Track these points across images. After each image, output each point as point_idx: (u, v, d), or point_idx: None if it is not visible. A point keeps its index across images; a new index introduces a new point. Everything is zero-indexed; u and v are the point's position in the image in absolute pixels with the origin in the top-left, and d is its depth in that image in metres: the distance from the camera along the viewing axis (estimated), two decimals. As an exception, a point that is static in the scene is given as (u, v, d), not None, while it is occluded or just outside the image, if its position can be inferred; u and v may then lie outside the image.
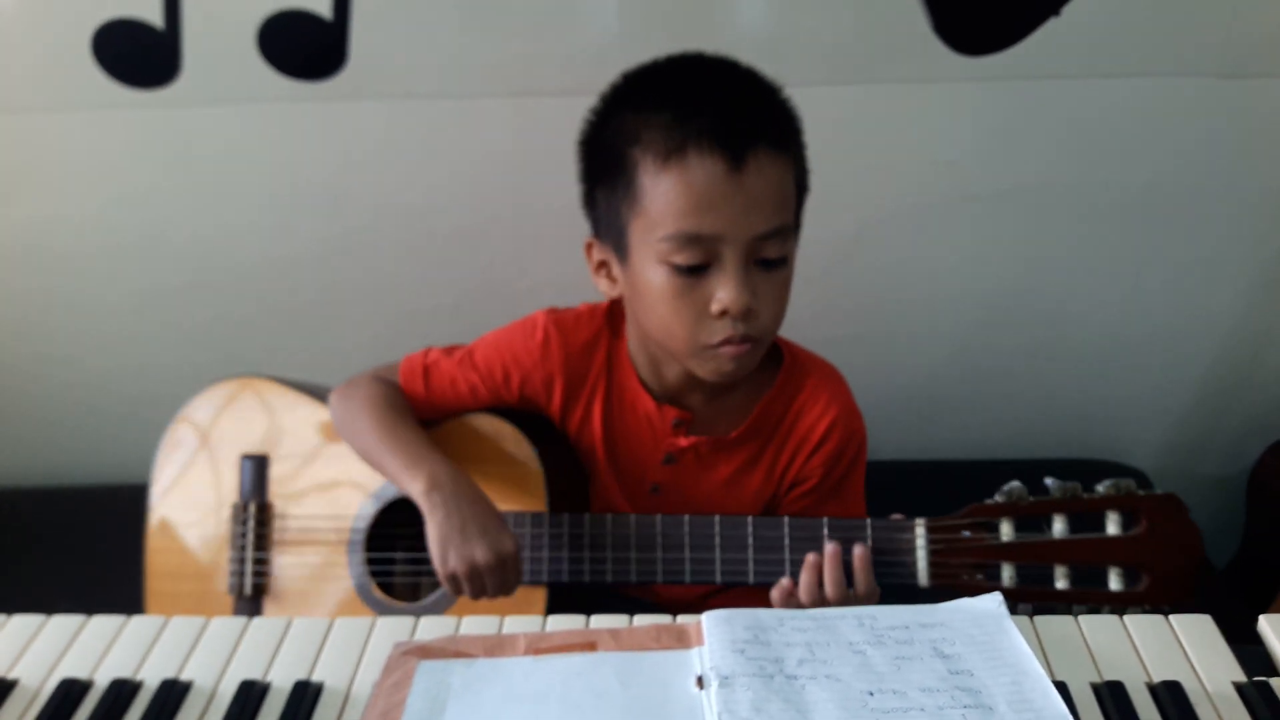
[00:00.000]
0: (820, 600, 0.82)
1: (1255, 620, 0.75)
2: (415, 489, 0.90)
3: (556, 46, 1.21)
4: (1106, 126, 1.28)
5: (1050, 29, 1.20)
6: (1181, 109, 1.26)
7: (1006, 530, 0.81)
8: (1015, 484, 0.82)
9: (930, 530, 0.83)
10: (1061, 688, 0.68)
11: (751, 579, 0.86)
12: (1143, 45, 1.22)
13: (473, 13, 1.21)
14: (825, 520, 0.85)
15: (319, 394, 1.06)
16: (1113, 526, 0.79)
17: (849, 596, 0.83)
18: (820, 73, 1.23)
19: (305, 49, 1.22)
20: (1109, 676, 0.70)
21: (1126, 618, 0.75)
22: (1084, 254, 1.38)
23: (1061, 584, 0.80)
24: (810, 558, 0.83)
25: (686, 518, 0.89)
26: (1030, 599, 0.80)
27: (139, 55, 1.23)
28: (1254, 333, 1.44)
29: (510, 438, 0.95)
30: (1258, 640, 0.74)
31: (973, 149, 1.31)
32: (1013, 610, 0.79)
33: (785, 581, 0.84)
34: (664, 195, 0.79)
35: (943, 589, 0.82)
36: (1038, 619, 0.75)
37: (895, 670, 0.68)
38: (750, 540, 0.87)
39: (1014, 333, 1.45)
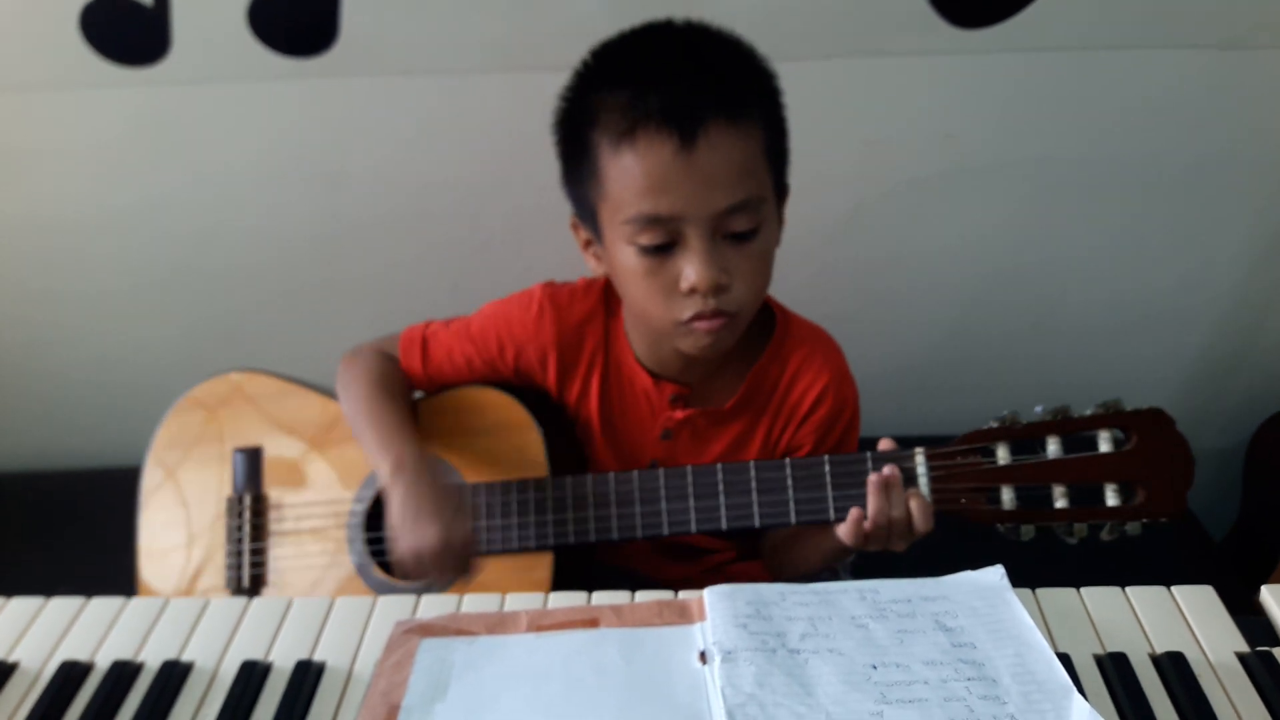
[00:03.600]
0: (887, 521, 0.82)
1: (1252, 592, 0.75)
2: (382, 470, 0.91)
3: (552, 20, 1.20)
4: (1106, 99, 1.27)
5: (1048, 1, 1.19)
6: (1182, 81, 1.25)
7: (1003, 454, 0.83)
8: (1009, 411, 0.83)
9: (930, 458, 0.84)
10: (1064, 659, 0.68)
11: (757, 522, 0.87)
12: (1142, 17, 1.21)
13: (466, -14, 1.19)
14: (826, 458, 0.86)
15: (309, 385, 1.06)
16: (1105, 444, 0.81)
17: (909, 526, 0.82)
18: (816, 47, 1.22)
19: (296, 24, 1.21)
20: (1112, 648, 0.70)
21: (1129, 589, 0.75)
22: (1083, 227, 1.38)
23: (1061, 503, 0.81)
24: (872, 479, 0.82)
25: (689, 468, 0.89)
26: (1032, 520, 0.82)
27: (128, 32, 1.21)
28: (1253, 306, 1.44)
29: (508, 406, 0.95)
30: (1256, 612, 0.75)
31: (971, 122, 1.30)
32: (1017, 534, 0.82)
33: (855, 511, 0.83)
34: (620, 177, 0.79)
35: (945, 514, 0.83)
36: (1040, 591, 0.75)
37: (898, 643, 0.69)
38: (754, 484, 0.87)
39: (1013, 306, 1.45)
